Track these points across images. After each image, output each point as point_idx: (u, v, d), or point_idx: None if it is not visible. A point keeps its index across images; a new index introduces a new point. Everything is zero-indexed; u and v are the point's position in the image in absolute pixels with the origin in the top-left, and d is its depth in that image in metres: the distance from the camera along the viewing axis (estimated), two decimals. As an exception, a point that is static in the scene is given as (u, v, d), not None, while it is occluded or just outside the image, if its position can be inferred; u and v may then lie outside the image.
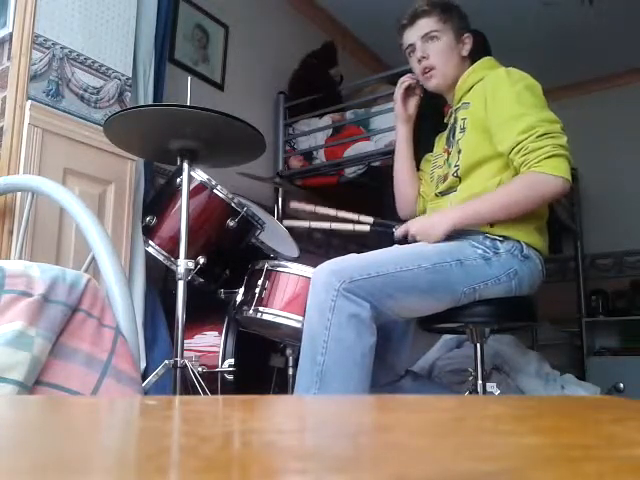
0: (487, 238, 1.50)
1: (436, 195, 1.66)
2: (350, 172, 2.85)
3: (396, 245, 1.57)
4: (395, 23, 1.70)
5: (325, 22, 3.58)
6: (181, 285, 1.57)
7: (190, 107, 1.48)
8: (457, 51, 1.65)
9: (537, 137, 1.41)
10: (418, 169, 1.87)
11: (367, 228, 1.67)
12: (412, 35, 1.65)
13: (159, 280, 2.14)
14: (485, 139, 1.52)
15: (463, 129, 1.58)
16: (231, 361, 1.85)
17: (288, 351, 1.95)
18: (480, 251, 1.48)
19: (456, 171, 1.58)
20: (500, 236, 1.50)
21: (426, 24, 1.62)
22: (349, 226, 1.67)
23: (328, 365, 1.34)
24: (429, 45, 1.63)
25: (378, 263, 1.44)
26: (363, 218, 1.68)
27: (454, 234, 1.51)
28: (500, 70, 1.56)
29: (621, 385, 3.08)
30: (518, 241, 1.51)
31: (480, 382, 1.60)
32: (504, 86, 1.51)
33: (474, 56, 1.68)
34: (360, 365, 1.36)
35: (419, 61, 1.64)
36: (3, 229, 1.61)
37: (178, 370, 1.52)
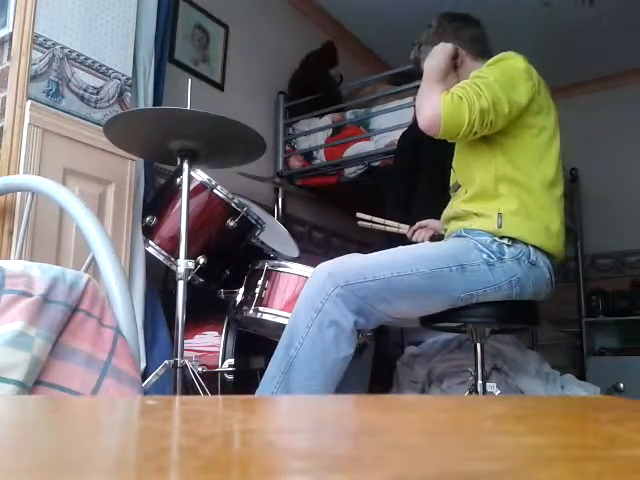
0: (495, 242, 1.48)
1: None
2: (350, 172, 2.85)
3: (400, 247, 1.57)
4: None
5: (325, 22, 3.58)
6: (181, 285, 1.57)
7: (190, 111, 1.48)
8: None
9: (466, 82, 1.47)
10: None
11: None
12: None
13: (159, 280, 2.14)
14: None
15: None
16: (231, 361, 1.85)
17: (288, 351, 1.95)
18: (485, 255, 1.46)
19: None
20: (508, 238, 1.48)
21: None
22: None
23: (298, 359, 1.39)
24: None
25: (376, 266, 1.44)
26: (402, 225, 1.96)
27: (462, 233, 1.52)
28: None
29: (621, 385, 3.08)
30: (526, 245, 1.48)
31: (480, 382, 1.60)
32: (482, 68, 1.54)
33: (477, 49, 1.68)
34: (328, 371, 1.39)
35: None
36: (3, 229, 1.61)
37: (178, 370, 1.52)
